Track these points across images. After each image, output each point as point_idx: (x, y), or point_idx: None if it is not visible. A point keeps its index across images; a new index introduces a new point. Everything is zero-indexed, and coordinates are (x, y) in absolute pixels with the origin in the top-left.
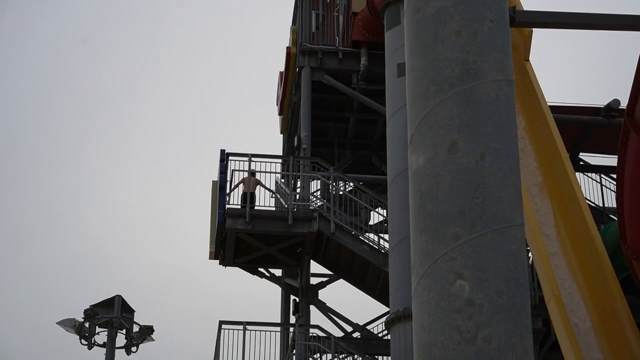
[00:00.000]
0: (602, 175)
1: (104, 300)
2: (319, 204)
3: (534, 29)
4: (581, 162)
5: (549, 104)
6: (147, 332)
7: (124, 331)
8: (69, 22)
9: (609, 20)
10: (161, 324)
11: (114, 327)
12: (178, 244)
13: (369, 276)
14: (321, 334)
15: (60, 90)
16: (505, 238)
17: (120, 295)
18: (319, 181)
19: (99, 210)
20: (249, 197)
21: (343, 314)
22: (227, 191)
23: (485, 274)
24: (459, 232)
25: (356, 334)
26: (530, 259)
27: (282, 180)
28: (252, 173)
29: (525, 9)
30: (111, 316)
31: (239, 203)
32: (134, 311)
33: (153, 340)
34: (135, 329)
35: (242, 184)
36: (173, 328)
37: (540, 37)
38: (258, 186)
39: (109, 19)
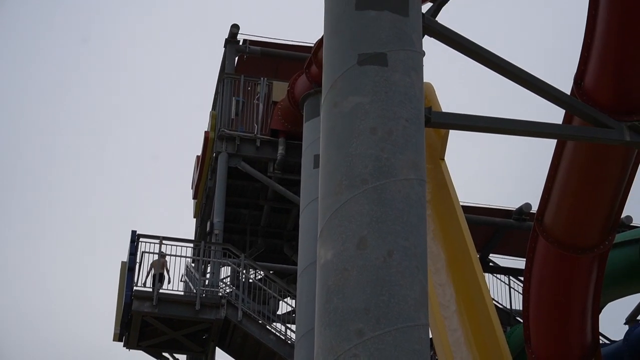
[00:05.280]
0: (511, 277)
1: None
2: (227, 290)
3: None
4: (491, 263)
5: (461, 203)
6: None
7: None
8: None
9: (524, 126)
10: None
11: None
12: (83, 324)
13: None
14: None
15: None
16: (409, 337)
17: None
18: (229, 268)
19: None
20: (158, 278)
21: None
22: (136, 273)
23: None
24: (363, 328)
25: None
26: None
27: (192, 265)
28: (162, 255)
29: (443, 110)
30: None
31: (150, 285)
32: None
33: None
34: None
35: (152, 268)
36: None
37: (458, 137)
38: (164, 268)
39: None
